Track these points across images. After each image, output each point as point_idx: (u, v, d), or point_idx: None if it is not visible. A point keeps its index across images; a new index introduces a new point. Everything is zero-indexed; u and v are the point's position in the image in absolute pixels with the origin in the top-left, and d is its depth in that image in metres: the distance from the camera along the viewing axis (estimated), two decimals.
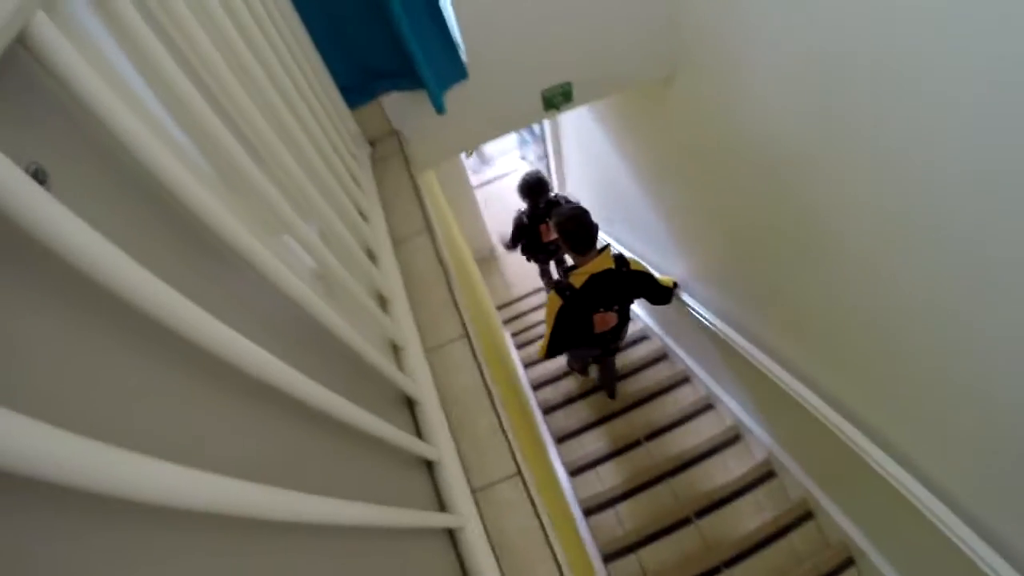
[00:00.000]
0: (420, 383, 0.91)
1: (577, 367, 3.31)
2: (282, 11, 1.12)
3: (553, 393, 3.59)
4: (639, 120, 2.61)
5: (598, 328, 2.18)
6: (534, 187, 3.08)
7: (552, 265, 3.77)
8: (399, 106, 1.65)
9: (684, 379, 3.35)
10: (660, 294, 2.32)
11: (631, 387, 3.43)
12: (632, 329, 3.80)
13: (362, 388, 0.77)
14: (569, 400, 3.49)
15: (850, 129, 1.29)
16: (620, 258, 2.10)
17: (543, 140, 5.14)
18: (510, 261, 5.29)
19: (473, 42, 1.61)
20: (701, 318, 2.68)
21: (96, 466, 0.25)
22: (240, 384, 0.45)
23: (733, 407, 2.91)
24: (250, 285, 0.53)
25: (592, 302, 2.09)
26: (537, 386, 3.70)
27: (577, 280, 2.03)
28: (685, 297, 2.83)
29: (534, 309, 4.67)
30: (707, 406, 3.13)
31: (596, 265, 2.02)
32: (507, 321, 4.69)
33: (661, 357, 3.58)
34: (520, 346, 4.23)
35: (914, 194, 1.19)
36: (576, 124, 3.63)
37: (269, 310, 0.57)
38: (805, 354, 2.00)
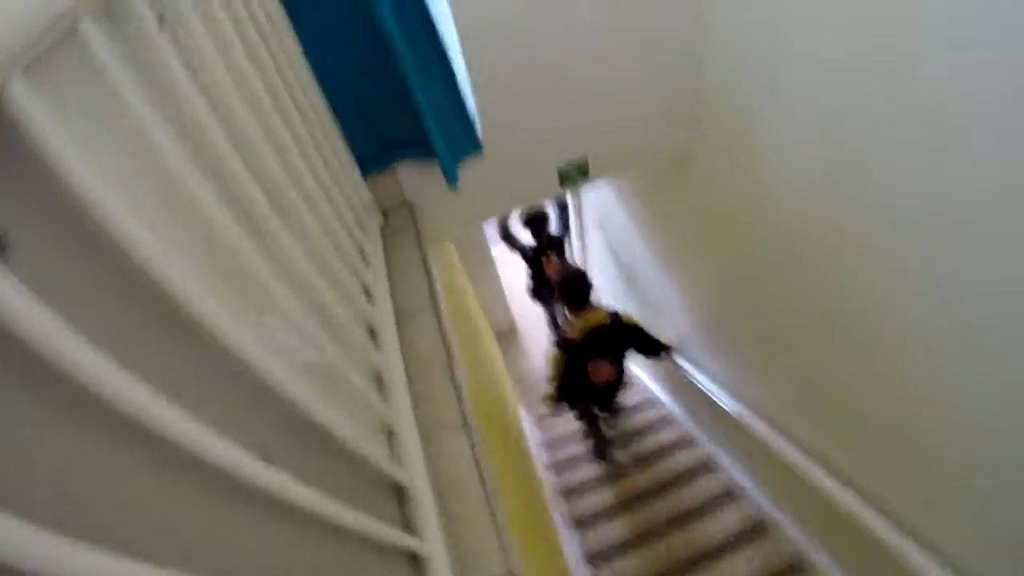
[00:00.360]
0: (412, 471, 0.87)
1: (597, 452, 3.31)
2: (299, 77, 1.15)
3: (571, 478, 3.47)
4: (657, 195, 2.65)
5: (593, 376, 2.36)
6: (536, 219, 3.27)
7: (557, 308, 3.86)
8: (413, 177, 1.68)
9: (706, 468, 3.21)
10: (651, 345, 2.50)
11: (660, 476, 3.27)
12: (655, 415, 3.71)
13: (347, 478, 0.73)
14: (590, 485, 3.36)
15: (874, 203, 1.28)
16: (615, 314, 2.34)
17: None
18: (530, 336, 5.26)
19: (488, 115, 1.64)
20: (721, 404, 2.60)
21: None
22: (209, 477, 0.42)
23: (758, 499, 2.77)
24: (231, 370, 0.51)
25: (588, 352, 2.30)
26: (558, 469, 3.58)
27: (575, 332, 2.29)
28: (702, 378, 2.77)
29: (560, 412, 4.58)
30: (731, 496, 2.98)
31: (592, 318, 2.28)
32: (525, 396, 4.61)
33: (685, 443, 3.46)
34: (536, 420, 4.14)
35: (943, 267, 1.16)
36: (597, 198, 3.69)
37: (248, 397, 0.55)
38: (842, 452, 1.90)
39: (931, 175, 1.10)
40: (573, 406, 2.89)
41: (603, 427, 3.24)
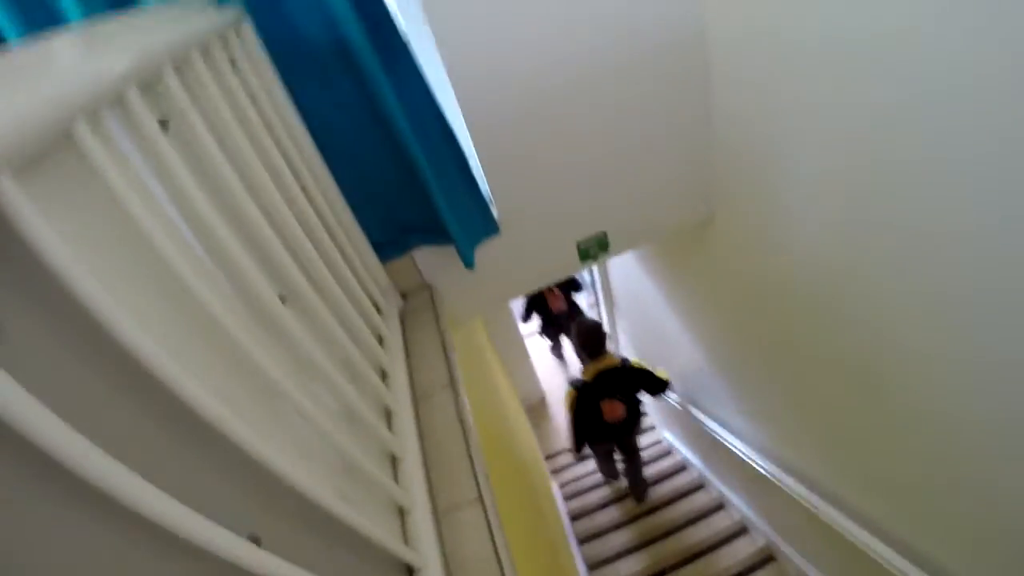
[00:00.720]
0: (424, 552, 0.88)
1: (604, 469, 3.59)
2: (312, 169, 1.22)
3: (601, 548, 3.38)
4: (680, 261, 2.68)
5: (607, 416, 2.61)
6: None
7: (563, 339, 3.98)
8: (431, 260, 1.71)
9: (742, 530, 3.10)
10: (656, 384, 2.72)
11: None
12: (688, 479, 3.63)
13: (357, 561, 0.75)
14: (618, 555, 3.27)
15: (899, 262, 1.28)
16: (624, 359, 2.63)
17: (593, 288, 5.26)
18: (560, 410, 5.21)
19: (504, 195, 1.68)
20: (754, 464, 2.55)
21: None
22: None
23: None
24: (230, 459, 0.55)
25: (600, 392, 2.57)
26: (584, 540, 3.50)
27: (587, 375, 2.58)
28: (732, 439, 2.75)
29: (584, 459, 4.49)
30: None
31: (603, 363, 2.58)
32: (555, 472, 4.52)
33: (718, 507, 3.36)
34: (569, 497, 4.04)
35: (965, 325, 1.16)
36: (622, 269, 3.74)
37: (249, 484, 0.58)
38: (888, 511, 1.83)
39: (950, 227, 1.10)
40: (592, 448, 3.15)
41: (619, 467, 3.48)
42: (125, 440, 0.43)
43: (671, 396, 3.44)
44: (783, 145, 1.50)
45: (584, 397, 2.55)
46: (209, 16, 0.94)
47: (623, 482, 3.76)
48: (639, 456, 3.36)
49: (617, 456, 3.28)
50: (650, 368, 2.62)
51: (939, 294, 1.19)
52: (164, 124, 0.68)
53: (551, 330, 4.10)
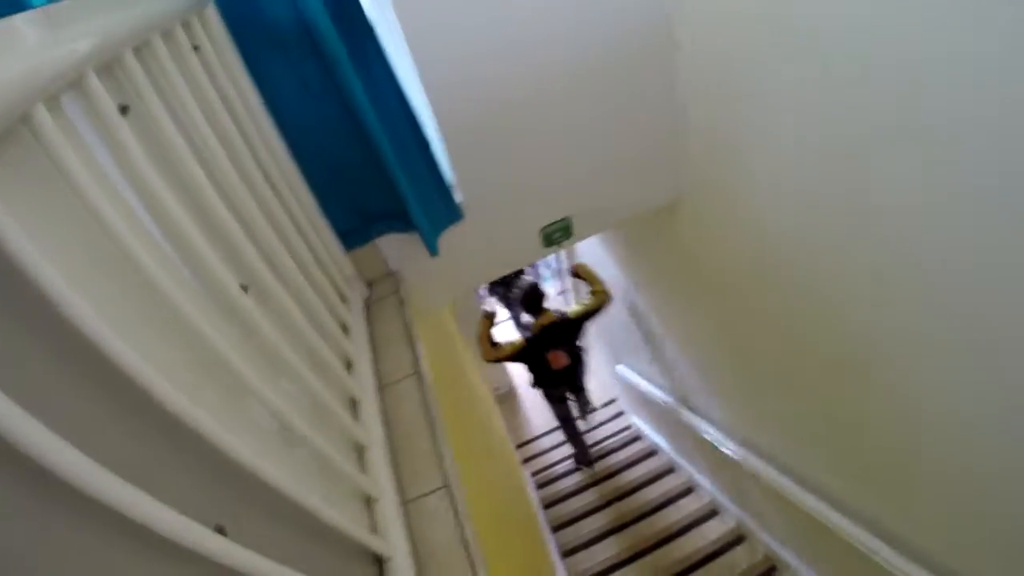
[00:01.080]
0: (391, 540, 0.87)
1: (559, 413, 3.81)
2: (275, 156, 1.20)
3: (575, 534, 3.45)
4: (647, 246, 2.72)
5: (552, 365, 3.01)
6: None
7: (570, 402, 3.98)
8: (397, 247, 1.70)
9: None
10: (596, 312, 2.97)
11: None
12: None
13: (324, 549, 0.74)
14: (592, 540, 3.37)
15: (866, 237, 1.31)
16: (562, 314, 2.96)
17: (560, 275, 5.29)
18: (529, 400, 5.25)
19: (468, 181, 1.67)
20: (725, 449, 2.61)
21: None
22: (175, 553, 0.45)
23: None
24: (197, 449, 0.54)
25: (545, 345, 2.95)
26: (558, 527, 3.55)
27: (534, 329, 2.94)
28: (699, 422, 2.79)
29: (555, 447, 4.54)
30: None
31: (545, 319, 2.92)
32: (527, 460, 4.55)
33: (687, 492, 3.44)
34: (542, 485, 4.08)
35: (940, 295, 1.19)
36: (591, 253, 3.77)
37: (216, 474, 0.57)
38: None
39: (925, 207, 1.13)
40: (548, 394, 3.56)
41: (573, 410, 3.85)
42: (86, 430, 0.42)
43: (638, 382, 3.67)
44: (750, 126, 1.52)
45: (532, 349, 2.94)
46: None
47: (592, 468, 4.08)
48: (586, 394, 3.82)
49: (570, 397, 3.69)
50: (583, 308, 2.95)
51: (909, 267, 1.22)
52: (124, 109, 0.66)
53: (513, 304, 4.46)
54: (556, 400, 3.62)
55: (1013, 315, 1.03)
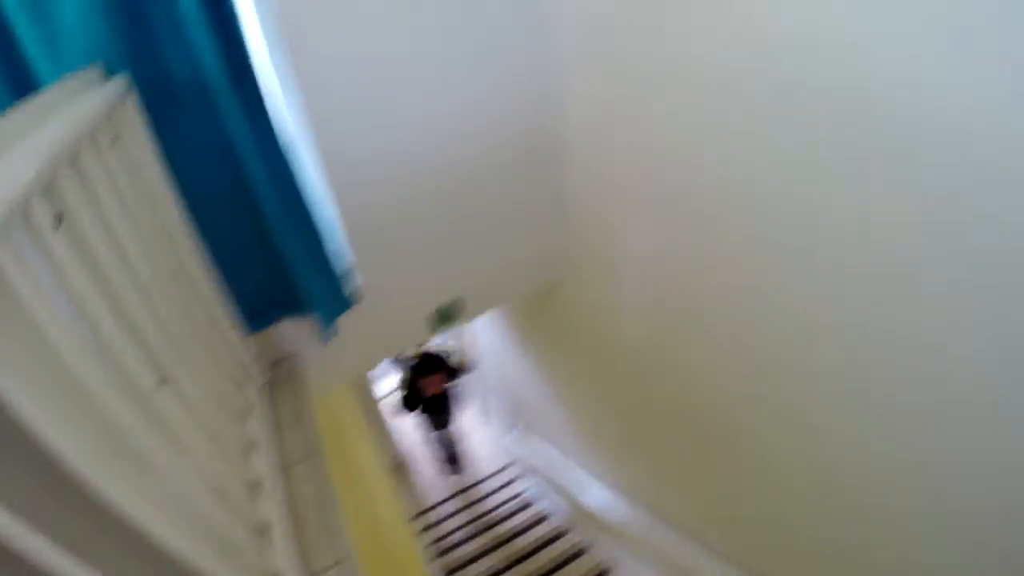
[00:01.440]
0: None
1: (434, 426, 4.35)
2: (182, 243, 1.22)
3: None
4: (535, 322, 2.95)
5: (427, 391, 3.70)
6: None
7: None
8: (295, 331, 1.76)
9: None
10: (451, 368, 3.77)
11: None
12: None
13: None
14: None
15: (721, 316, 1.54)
16: (426, 351, 3.79)
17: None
18: (423, 471, 5.25)
19: (366, 264, 1.75)
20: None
21: None
22: None
23: None
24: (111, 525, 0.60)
25: (421, 372, 3.66)
26: None
27: (417, 356, 3.74)
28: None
29: (450, 516, 4.53)
30: None
31: (420, 350, 3.76)
32: (425, 529, 4.50)
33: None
34: (440, 554, 4.04)
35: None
36: (485, 333, 4.01)
37: (124, 546, 0.63)
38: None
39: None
40: (424, 414, 4.12)
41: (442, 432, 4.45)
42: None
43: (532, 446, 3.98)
44: (621, 222, 1.77)
45: (412, 375, 3.68)
46: (97, 96, 0.95)
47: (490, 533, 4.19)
48: (450, 421, 4.32)
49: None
50: (445, 354, 3.80)
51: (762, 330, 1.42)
52: (58, 218, 0.69)
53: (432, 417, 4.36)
54: (431, 420, 4.23)
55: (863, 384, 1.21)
